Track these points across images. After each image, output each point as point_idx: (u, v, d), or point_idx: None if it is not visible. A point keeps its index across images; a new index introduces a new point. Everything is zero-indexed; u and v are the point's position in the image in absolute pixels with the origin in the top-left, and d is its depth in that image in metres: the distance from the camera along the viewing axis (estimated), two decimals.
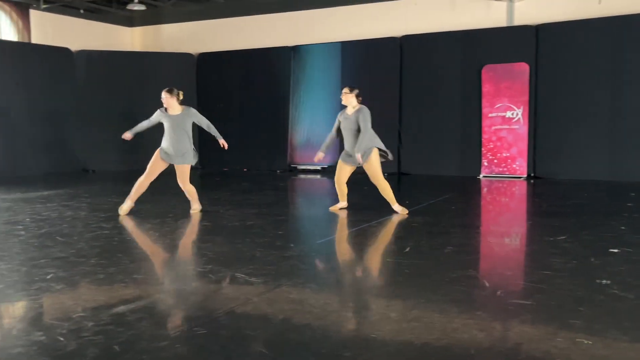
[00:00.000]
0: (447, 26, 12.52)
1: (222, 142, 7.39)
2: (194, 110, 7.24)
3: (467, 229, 6.46)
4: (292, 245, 5.60)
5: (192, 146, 7.20)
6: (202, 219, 6.94)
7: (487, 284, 4.11)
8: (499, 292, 3.86)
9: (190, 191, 7.29)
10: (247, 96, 14.39)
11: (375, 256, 5.07)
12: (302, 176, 13.01)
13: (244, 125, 14.37)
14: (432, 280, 4.19)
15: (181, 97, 7.09)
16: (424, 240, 5.56)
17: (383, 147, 7.06)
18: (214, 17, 14.93)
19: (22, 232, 6.08)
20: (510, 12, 12.20)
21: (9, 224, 6.61)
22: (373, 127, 7.00)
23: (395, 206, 7.09)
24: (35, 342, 3.00)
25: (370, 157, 6.94)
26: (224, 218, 6.96)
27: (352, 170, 7.30)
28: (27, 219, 6.89)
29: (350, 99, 7.11)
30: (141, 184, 7.13)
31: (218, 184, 11.41)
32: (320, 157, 7.52)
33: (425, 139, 12.62)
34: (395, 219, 6.79)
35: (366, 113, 6.97)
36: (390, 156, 7.21)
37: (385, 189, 7.09)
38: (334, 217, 7.56)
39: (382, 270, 4.42)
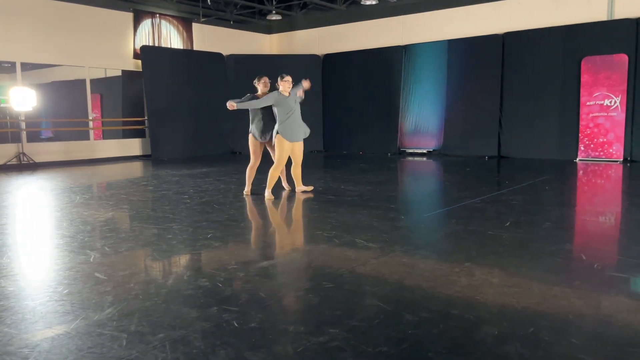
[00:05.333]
0: (548, 22, 11.64)
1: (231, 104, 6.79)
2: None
3: (564, 207, 6.04)
4: (402, 217, 5.55)
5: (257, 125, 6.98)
6: (327, 193, 7.06)
7: (584, 257, 3.82)
8: (595, 265, 3.59)
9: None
10: (364, 90, 14.35)
11: (478, 229, 4.87)
12: (410, 158, 12.79)
13: (360, 115, 14.40)
14: (531, 252, 3.97)
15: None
16: (524, 217, 5.28)
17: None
18: (336, 23, 15.02)
19: (188, 200, 6.55)
20: (610, 7, 11.08)
21: (178, 193, 7.15)
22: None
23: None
24: (201, 287, 3.24)
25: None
26: (344, 193, 7.05)
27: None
28: (191, 190, 7.40)
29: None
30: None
31: (339, 164, 11.54)
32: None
33: (525, 125, 11.89)
34: (496, 197, 6.50)
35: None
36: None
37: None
38: (439, 194, 7.39)
39: (484, 241, 4.25)
